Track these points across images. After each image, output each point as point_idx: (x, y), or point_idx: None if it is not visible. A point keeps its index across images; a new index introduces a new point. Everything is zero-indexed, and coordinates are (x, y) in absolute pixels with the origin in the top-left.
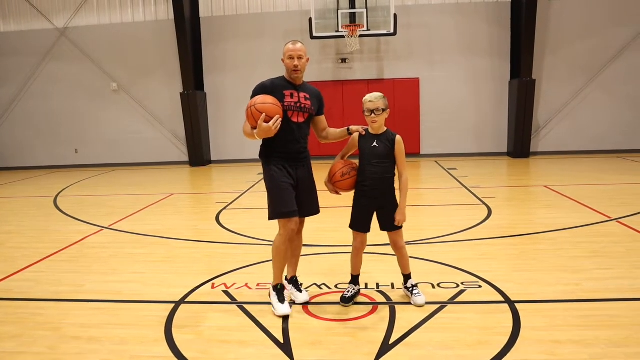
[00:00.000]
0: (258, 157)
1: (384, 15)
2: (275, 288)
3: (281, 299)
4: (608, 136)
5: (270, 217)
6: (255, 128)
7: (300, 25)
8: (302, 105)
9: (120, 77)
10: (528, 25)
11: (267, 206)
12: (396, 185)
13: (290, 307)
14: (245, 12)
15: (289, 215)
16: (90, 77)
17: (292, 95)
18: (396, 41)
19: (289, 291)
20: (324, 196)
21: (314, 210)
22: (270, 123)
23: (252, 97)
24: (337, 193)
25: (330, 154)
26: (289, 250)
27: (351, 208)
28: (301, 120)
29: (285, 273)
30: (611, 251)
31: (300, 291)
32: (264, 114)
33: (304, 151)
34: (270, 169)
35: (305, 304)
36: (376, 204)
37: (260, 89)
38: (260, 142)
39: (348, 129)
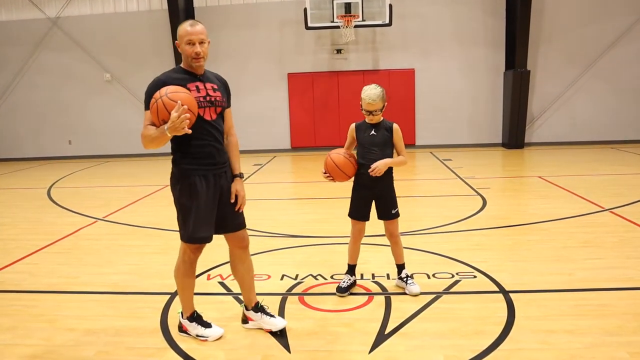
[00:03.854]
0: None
1: (379, 5)
2: (192, 318)
3: (204, 324)
4: (602, 127)
5: (185, 240)
6: (165, 123)
7: (295, 16)
8: (213, 99)
9: (113, 68)
10: (523, 15)
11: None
12: (394, 175)
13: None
14: (240, 2)
15: (205, 241)
16: (83, 67)
17: (198, 89)
18: (391, 32)
19: (258, 321)
20: (320, 187)
21: (241, 224)
22: (174, 112)
23: (146, 93)
24: (333, 180)
25: (327, 145)
26: (193, 277)
27: (349, 198)
28: (214, 116)
29: (243, 304)
30: (604, 241)
31: (273, 316)
32: (179, 102)
33: (224, 154)
34: (190, 181)
35: (302, 295)
36: (374, 193)
37: (155, 87)
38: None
39: (235, 175)
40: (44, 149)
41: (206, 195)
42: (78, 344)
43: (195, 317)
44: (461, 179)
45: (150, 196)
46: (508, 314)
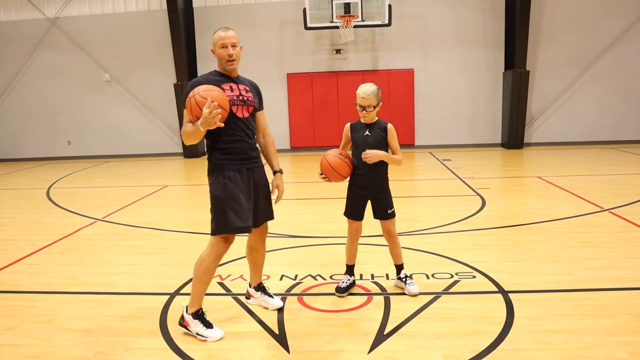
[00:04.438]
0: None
1: (378, 5)
2: (196, 315)
3: (207, 324)
4: (601, 127)
5: (217, 232)
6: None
7: (294, 16)
8: (245, 98)
9: (112, 68)
10: (522, 16)
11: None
12: (390, 176)
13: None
14: (239, 2)
15: (245, 231)
16: (82, 68)
17: (231, 89)
18: (390, 32)
19: (258, 299)
20: (319, 187)
21: (271, 215)
22: (205, 108)
23: (184, 93)
24: (329, 180)
25: (326, 145)
26: (213, 273)
27: (345, 198)
28: (246, 115)
29: (248, 281)
30: (603, 241)
31: (272, 296)
32: (209, 99)
33: (256, 149)
34: (224, 174)
35: (301, 295)
36: (369, 192)
37: (192, 87)
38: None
39: (275, 171)
40: (43, 150)
41: (240, 187)
42: (77, 344)
43: (200, 315)
44: (460, 179)
45: (149, 196)
46: (507, 314)
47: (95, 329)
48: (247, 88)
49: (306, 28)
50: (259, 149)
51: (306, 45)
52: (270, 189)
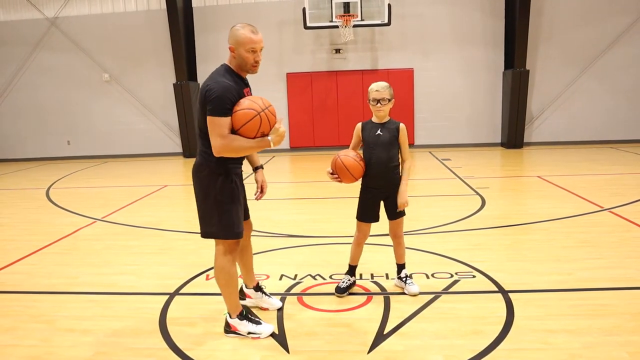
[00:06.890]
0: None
1: (377, 5)
2: (242, 316)
3: (255, 321)
4: (601, 126)
5: (225, 237)
6: (264, 135)
7: (293, 15)
8: None
9: (112, 68)
10: (522, 15)
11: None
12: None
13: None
14: (238, 1)
15: (241, 236)
16: (81, 67)
17: (246, 94)
18: (390, 31)
19: (258, 300)
20: (319, 187)
21: (247, 212)
22: (278, 126)
23: (219, 98)
24: (340, 181)
25: (326, 145)
26: (237, 271)
27: (348, 198)
28: None
29: (242, 283)
30: (603, 241)
31: (270, 297)
32: (281, 117)
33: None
34: (231, 179)
35: (301, 295)
36: (382, 193)
37: (228, 91)
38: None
39: (257, 167)
40: (42, 150)
41: (239, 197)
42: (76, 344)
43: (245, 315)
44: (460, 178)
45: (149, 196)
46: (507, 313)
47: (95, 330)
48: (250, 91)
49: (305, 27)
50: None
51: (305, 45)
52: (257, 186)
